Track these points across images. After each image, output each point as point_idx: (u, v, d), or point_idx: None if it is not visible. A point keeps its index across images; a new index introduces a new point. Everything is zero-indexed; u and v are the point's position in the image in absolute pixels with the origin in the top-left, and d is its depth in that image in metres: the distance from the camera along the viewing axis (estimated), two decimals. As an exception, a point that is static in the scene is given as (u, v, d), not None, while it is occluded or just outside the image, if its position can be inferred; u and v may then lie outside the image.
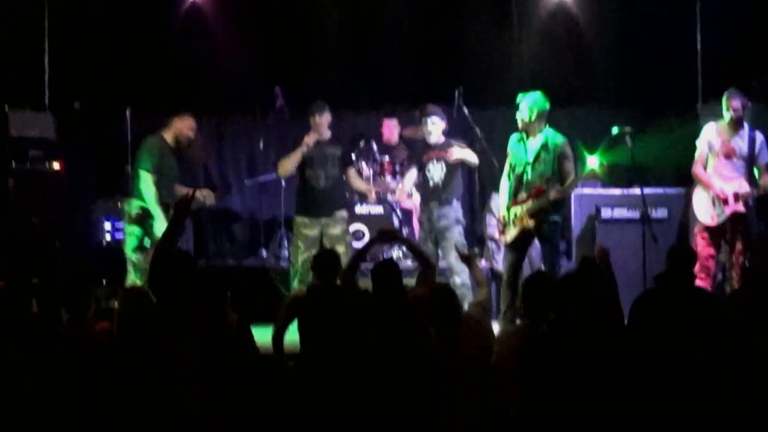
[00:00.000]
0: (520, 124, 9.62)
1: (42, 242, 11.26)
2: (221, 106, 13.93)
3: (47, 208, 11.59)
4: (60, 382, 6.02)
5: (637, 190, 10.15)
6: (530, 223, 9.46)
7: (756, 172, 9.96)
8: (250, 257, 13.19)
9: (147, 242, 9.83)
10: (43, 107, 12.41)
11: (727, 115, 9.95)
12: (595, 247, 8.80)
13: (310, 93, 11.27)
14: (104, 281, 11.15)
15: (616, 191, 11.31)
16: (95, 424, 5.76)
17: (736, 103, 9.91)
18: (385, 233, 8.69)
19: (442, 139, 10.66)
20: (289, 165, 10.58)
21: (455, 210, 10.60)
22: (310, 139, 10.41)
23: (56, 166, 11.87)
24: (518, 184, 9.66)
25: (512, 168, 9.74)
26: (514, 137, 9.81)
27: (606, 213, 11.23)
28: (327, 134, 10.56)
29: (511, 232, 9.64)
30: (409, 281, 8.43)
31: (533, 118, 9.54)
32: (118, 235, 11.39)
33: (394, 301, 6.92)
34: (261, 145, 13.09)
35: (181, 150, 10.20)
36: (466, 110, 11.88)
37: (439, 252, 10.46)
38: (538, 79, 11.92)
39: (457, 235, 10.49)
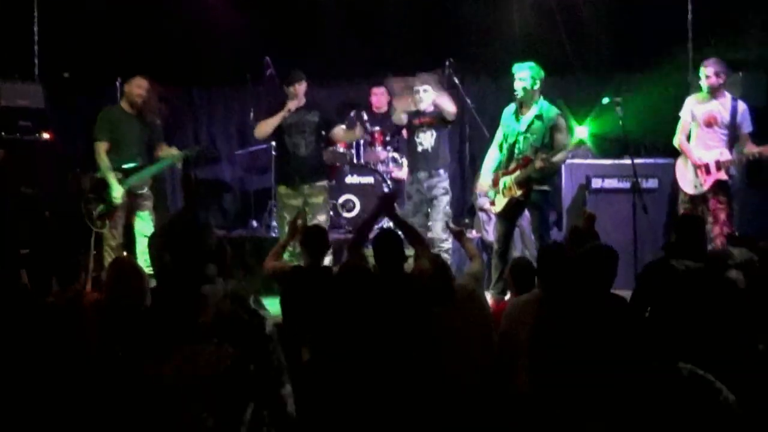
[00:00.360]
0: (521, 93, 9.63)
1: (32, 212, 11.25)
2: (211, 76, 13.89)
3: (37, 179, 11.58)
4: (50, 353, 5.99)
5: (627, 161, 10.17)
6: (518, 192, 9.51)
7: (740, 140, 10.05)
8: (240, 227, 13.18)
9: (101, 209, 10.20)
10: (33, 77, 12.38)
11: (704, 85, 10.01)
12: (583, 212, 8.83)
13: (301, 63, 11.22)
14: (93, 252, 11.12)
15: (607, 161, 11.33)
16: (86, 395, 5.73)
17: (710, 70, 10.03)
18: (387, 200, 8.60)
19: (431, 107, 10.61)
20: (267, 128, 10.59)
21: (443, 180, 10.61)
22: (292, 105, 10.42)
23: (46, 136, 11.86)
24: (510, 155, 9.70)
25: (505, 138, 9.78)
26: (509, 109, 9.84)
27: (596, 183, 11.27)
28: (303, 101, 10.55)
29: (501, 202, 9.68)
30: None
31: (535, 87, 9.65)
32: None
33: (396, 270, 6.88)
34: (251, 115, 13.04)
35: (141, 112, 10.36)
36: (456, 80, 11.87)
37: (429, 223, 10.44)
38: (529, 49, 11.89)
39: (444, 205, 10.51)
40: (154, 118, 10.48)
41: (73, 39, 12.74)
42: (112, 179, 10.12)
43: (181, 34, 13.16)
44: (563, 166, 11.16)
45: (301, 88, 10.50)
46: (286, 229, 10.22)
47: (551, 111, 9.66)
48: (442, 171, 10.62)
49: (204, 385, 5.13)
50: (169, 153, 10.59)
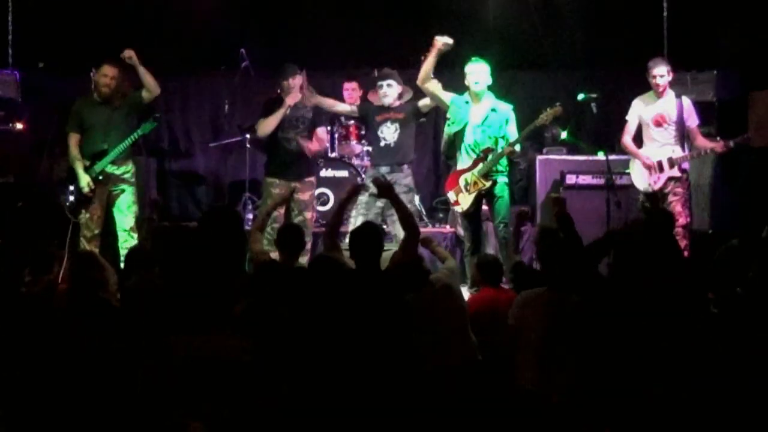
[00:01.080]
0: (477, 87, 9.71)
1: (5, 202, 11.22)
2: (186, 67, 13.85)
3: (10, 168, 11.54)
4: (21, 342, 5.97)
5: (601, 157, 10.21)
6: (487, 183, 9.59)
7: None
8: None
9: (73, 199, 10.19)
10: (7, 67, 12.31)
11: (651, 83, 10.12)
12: (552, 198, 8.87)
13: (277, 54, 11.22)
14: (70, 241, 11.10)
15: (581, 157, 11.37)
16: (57, 385, 5.72)
17: (659, 70, 10.13)
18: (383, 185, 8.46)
19: (397, 102, 10.58)
20: (270, 125, 10.38)
21: (407, 176, 10.49)
22: (291, 100, 10.30)
23: (20, 126, 11.82)
24: (460, 148, 9.81)
25: (458, 132, 9.84)
26: (460, 99, 9.89)
27: (571, 179, 11.32)
28: (298, 96, 10.49)
29: (467, 200, 9.73)
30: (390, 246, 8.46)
31: (489, 82, 9.83)
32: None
33: (371, 264, 6.86)
34: (226, 107, 13.01)
35: (109, 99, 10.20)
36: (432, 74, 11.87)
37: (387, 220, 10.39)
38: (506, 42, 11.93)
39: (407, 202, 10.22)
40: (121, 102, 10.27)
41: (47, 29, 12.70)
42: (79, 168, 10.11)
43: (157, 23, 13.13)
44: (537, 161, 11.30)
45: (295, 81, 10.37)
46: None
47: (504, 104, 9.93)
48: (405, 167, 10.51)
49: (218, 371, 5.18)
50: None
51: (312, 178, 10.67)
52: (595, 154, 11.33)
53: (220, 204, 12.63)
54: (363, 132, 12.51)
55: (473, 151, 9.77)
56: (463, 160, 9.88)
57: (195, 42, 13.24)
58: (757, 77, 11.58)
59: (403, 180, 10.38)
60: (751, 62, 11.82)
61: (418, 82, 10.10)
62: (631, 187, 10.56)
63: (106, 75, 10.16)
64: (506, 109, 9.88)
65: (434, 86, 10.03)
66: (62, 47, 12.79)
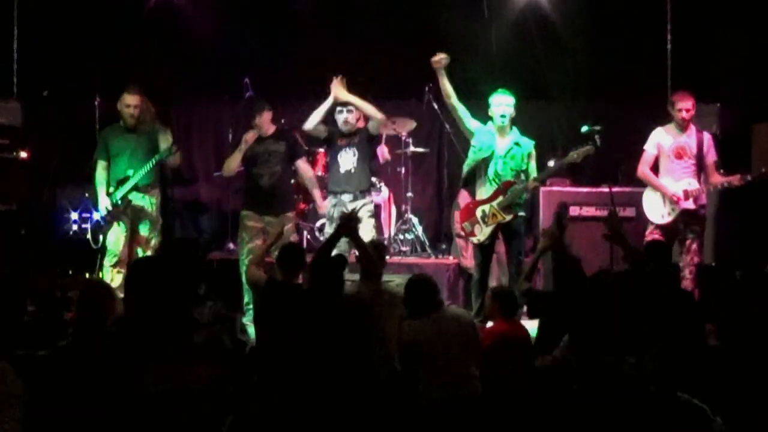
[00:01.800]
0: (503, 120, 9.71)
1: (8, 230, 11.22)
2: (190, 96, 13.87)
3: (13, 197, 11.55)
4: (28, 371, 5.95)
5: (605, 189, 10.20)
6: (508, 217, 9.58)
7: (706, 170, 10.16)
8: (216, 250, 13.13)
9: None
10: (11, 95, 12.34)
11: (676, 116, 10.09)
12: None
13: (280, 83, 11.25)
14: (70, 271, 11.10)
15: (585, 189, 11.36)
16: (60, 413, 5.69)
17: (685, 104, 10.07)
18: (346, 221, 8.52)
19: (355, 127, 10.43)
20: (233, 164, 10.59)
21: (369, 203, 10.39)
22: (249, 137, 10.36)
23: (23, 154, 11.83)
24: (483, 174, 9.78)
25: (479, 152, 9.81)
26: (485, 129, 9.85)
27: (574, 211, 11.30)
28: (270, 130, 10.51)
29: (485, 231, 9.69)
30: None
31: (513, 115, 9.82)
32: (85, 225, 11.40)
33: (331, 296, 6.92)
34: (230, 136, 13.02)
35: (135, 126, 10.26)
36: (436, 106, 11.89)
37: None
38: (508, 75, 11.94)
39: (370, 228, 10.22)
40: (151, 128, 10.37)
41: (52, 57, 12.72)
42: (100, 194, 10.16)
43: (160, 53, 13.16)
44: (541, 192, 11.28)
45: (263, 118, 10.44)
46: (245, 249, 10.26)
47: (527, 139, 9.89)
48: (366, 194, 10.40)
49: (186, 401, 5.15)
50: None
51: (288, 213, 10.60)
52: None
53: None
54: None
55: (494, 182, 9.76)
56: (482, 191, 9.85)
57: (199, 71, 13.27)
58: (760, 110, 11.61)
59: (367, 206, 10.30)
60: (754, 95, 11.85)
61: (445, 98, 10.02)
62: (633, 219, 10.55)
63: (129, 105, 10.23)
64: (528, 144, 9.87)
65: (462, 108, 9.98)
66: (66, 76, 12.79)
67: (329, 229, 10.23)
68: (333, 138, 10.45)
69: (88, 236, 10.26)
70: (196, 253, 6.83)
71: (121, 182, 10.13)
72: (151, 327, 5.79)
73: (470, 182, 10.03)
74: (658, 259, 7.46)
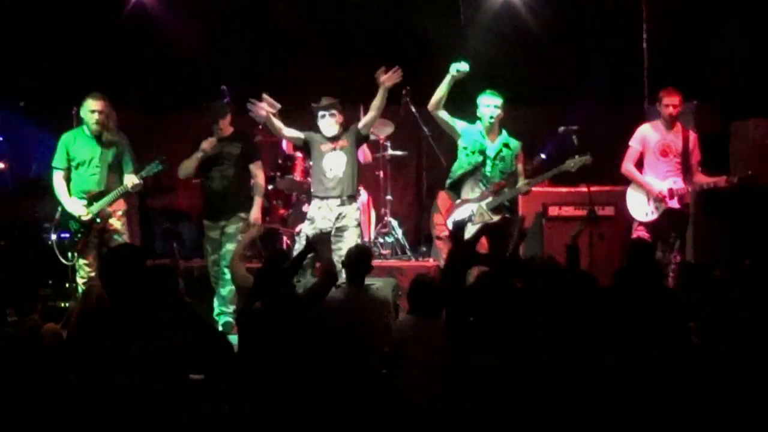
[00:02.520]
0: (493, 121, 9.73)
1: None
2: (167, 103, 13.84)
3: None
4: (9, 382, 5.94)
5: (584, 188, 10.22)
6: (495, 218, 9.60)
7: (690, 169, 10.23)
8: (197, 256, 13.09)
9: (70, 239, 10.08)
10: (-11, 105, 12.32)
11: (663, 113, 10.11)
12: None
13: (258, 91, 11.19)
14: (50, 281, 11.06)
15: (564, 189, 11.38)
16: (46, 423, 5.69)
17: (672, 100, 10.10)
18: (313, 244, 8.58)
19: (338, 131, 10.31)
20: (189, 168, 10.65)
21: (355, 210, 10.29)
22: (207, 145, 10.41)
23: (0, 165, 11.78)
24: (475, 179, 9.79)
25: (471, 152, 9.82)
26: (473, 129, 9.87)
27: (553, 211, 11.32)
28: (228, 132, 10.61)
29: (469, 230, 9.70)
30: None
31: (500, 116, 9.88)
32: (64, 235, 11.33)
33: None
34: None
35: (100, 133, 10.07)
36: (413, 109, 11.90)
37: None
38: (486, 78, 11.94)
39: (355, 238, 10.12)
40: (116, 137, 10.23)
41: (28, 67, 12.68)
42: (68, 203, 9.99)
43: (138, 61, 13.14)
44: (519, 193, 11.30)
45: (225, 122, 10.56)
46: (210, 260, 10.54)
47: (515, 141, 9.97)
48: (353, 200, 10.30)
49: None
50: (130, 181, 10.13)
51: (242, 213, 10.60)
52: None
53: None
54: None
55: (483, 183, 9.77)
56: (469, 190, 9.85)
57: (176, 79, 13.24)
58: (738, 108, 11.64)
59: (354, 214, 10.21)
60: (731, 93, 11.89)
61: (431, 108, 10.01)
62: (613, 218, 10.58)
63: (94, 110, 10.01)
64: (517, 145, 9.98)
65: (445, 113, 9.97)
66: (43, 86, 12.75)
67: (306, 228, 10.16)
68: (315, 143, 10.30)
69: (56, 251, 10.12)
70: (141, 261, 6.77)
71: (95, 197, 9.99)
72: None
73: (456, 185, 10.02)
74: (641, 259, 7.48)
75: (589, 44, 13.02)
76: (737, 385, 5.85)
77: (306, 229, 10.14)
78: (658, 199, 10.04)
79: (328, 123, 10.24)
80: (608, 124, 11.43)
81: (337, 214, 10.06)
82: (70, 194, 10.04)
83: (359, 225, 10.30)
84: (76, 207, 9.96)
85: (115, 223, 10.13)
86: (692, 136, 10.25)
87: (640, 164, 10.31)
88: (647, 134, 10.28)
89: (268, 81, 12.56)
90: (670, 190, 10.02)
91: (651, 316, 6.61)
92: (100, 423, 5.39)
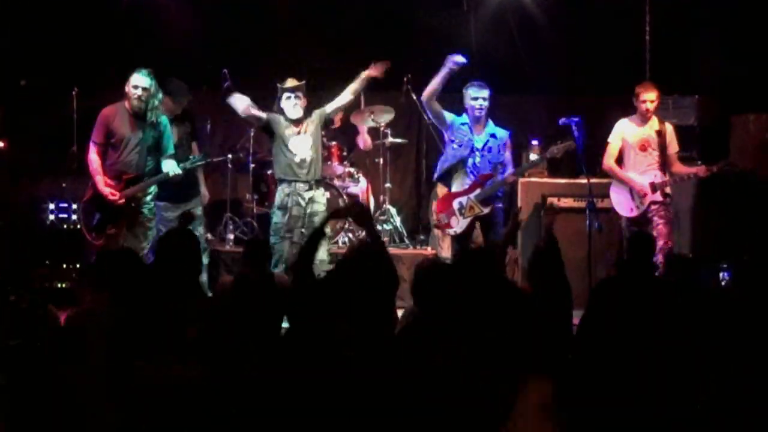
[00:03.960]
0: (480, 113, 9.73)
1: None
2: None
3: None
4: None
5: (583, 180, 10.22)
6: (485, 209, 9.60)
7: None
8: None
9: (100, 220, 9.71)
10: (-12, 84, 12.30)
11: (640, 108, 10.15)
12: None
13: (259, 75, 11.21)
14: (47, 262, 11.05)
15: (562, 180, 11.38)
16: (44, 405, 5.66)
17: (648, 95, 10.14)
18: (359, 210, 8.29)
19: (302, 114, 10.16)
20: None
21: (323, 195, 10.29)
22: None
23: (0, 144, 11.77)
24: (464, 171, 9.79)
25: (460, 156, 9.83)
26: (459, 121, 9.88)
27: (552, 202, 11.30)
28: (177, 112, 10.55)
29: (461, 223, 9.72)
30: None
31: (488, 107, 9.85)
32: (62, 215, 11.33)
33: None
34: (208, 127, 12.99)
35: (144, 112, 9.59)
36: (414, 96, 11.89)
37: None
38: (487, 67, 11.94)
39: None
40: (160, 119, 9.81)
41: (30, 47, 12.65)
42: (97, 179, 9.54)
43: (139, 43, 13.10)
44: (519, 184, 11.27)
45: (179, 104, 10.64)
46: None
47: (502, 130, 9.95)
48: (320, 185, 10.27)
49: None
50: (171, 169, 9.70)
51: (197, 197, 10.63)
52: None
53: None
54: (345, 153, 12.54)
55: (472, 175, 9.78)
56: (459, 183, 9.86)
57: (177, 62, 13.20)
58: (738, 102, 11.66)
59: (322, 199, 10.19)
60: (732, 87, 11.89)
61: (425, 98, 9.92)
62: (612, 210, 10.59)
63: (137, 86, 9.57)
64: (504, 134, 9.94)
65: (438, 105, 9.93)
66: (44, 65, 12.73)
67: (280, 219, 10.04)
68: (279, 125, 10.14)
69: (83, 230, 9.84)
70: (190, 245, 6.73)
71: (132, 180, 9.60)
72: (140, 322, 5.80)
73: (446, 177, 10.03)
74: (644, 250, 7.48)
75: (591, 35, 13.00)
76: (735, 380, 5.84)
77: (279, 220, 10.01)
78: (641, 194, 10.07)
79: (292, 105, 10.10)
80: (609, 116, 11.40)
81: (308, 199, 10.01)
82: (104, 173, 9.60)
83: (326, 209, 10.22)
84: (108, 189, 9.52)
85: (146, 208, 9.75)
86: (668, 128, 10.27)
87: (620, 160, 10.32)
88: (625, 129, 10.31)
89: (267, 68, 12.58)
90: (652, 184, 10.04)
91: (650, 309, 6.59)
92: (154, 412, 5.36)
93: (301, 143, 10.06)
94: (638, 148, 10.20)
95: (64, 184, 11.44)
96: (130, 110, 9.62)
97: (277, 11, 13.53)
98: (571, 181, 11.29)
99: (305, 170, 10.03)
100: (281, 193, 10.08)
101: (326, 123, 10.42)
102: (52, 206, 11.50)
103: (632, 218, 10.21)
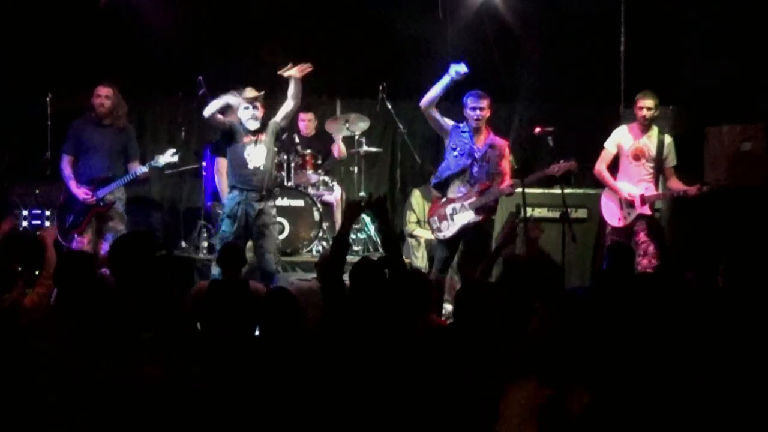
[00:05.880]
0: (479, 123, 9.68)
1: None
2: (143, 92, 13.76)
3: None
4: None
5: (557, 190, 10.22)
6: (478, 218, 9.60)
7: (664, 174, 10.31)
8: (169, 247, 13.06)
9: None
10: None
11: (637, 115, 10.14)
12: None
13: (234, 82, 11.16)
14: (20, 268, 10.97)
15: (537, 190, 11.37)
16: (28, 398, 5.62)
17: (645, 103, 10.12)
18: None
19: (258, 125, 10.15)
20: None
21: (272, 207, 10.27)
22: None
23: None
24: (462, 179, 9.77)
25: (462, 165, 9.79)
26: (459, 129, 9.81)
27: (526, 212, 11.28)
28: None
29: (451, 228, 9.69)
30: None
31: (488, 116, 9.83)
32: (35, 222, 11.32)
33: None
34: (182, 134, 12.96)
35: (108, 120, 10.43)
36: (389, 105, 11.88)
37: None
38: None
39: (277, 235, 10.27)
40: (124, 125, 10.64)
41: (2, 52, 12.58)
42: (73, 187, 10.27)
43: (114, 49, 13.04)
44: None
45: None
46: None
47: (500, 140, 9.91)
48: (272, 198, 10.30)
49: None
50: (136, 169, 10.54)
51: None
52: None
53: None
54: (319, 161, 12.51)
55: (468, 183, 9.74)
56: (454, 191, 9.82)
57: (152, 68, 13.16)
58: (712, 113, 11.68)
59: (272, 211, 10.22)
60: (707, 98, 11.92)
61: (423, 106, 9.82)
62: (586, 220, 10.59)
63: (100, 95, 10.36)
64: (502, 144, 9.86)
65: (436, 112, 9.87)
66: (17, 71, 12.66)
67: (228, 228, 9.99)
68: (236, 134, 10.14)
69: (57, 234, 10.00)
70: (148, 248, 6.72)
71: (101, 182, 10.30)
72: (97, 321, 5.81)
73: (443, 184, 9.96)
74: (622, 261, 7.49)
75: (567, 44, 13.01)
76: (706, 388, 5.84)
77: (228, 228, 9.97)
78: (629, 203, 10.07)
79: (250, 115, 10.11)
80: (584, 127, 11.43)
81: (258, 210, 9.99)
82: (76, 179, 10.33)
83: (278, 221, 10.44)
84: (81, 191, 10.24)
85: (116, 209, 10.48)
86: (667, 140, 10.23)
87: (615, 167, 10.31)
88: (622, 137, 10.29)
89: (243, 75, 12.53)
90: (642, 197, 10.03)
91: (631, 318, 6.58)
92: (103, 411, 5.33)
93: (256, 152, 10.06)
94: (632, 156, 10.18)
95: (37, 190, 11.40)
96: (97, 119, 10.40)
97: (253, 17, 13.49)
98: (546, 191, 11.28)
99: (258, 179, 10.02)
100: (232, 201, 10.07)
101: (278, 133, 10.40)
102: (25, 213, 11.46)
103: (617, 228, 10.20)
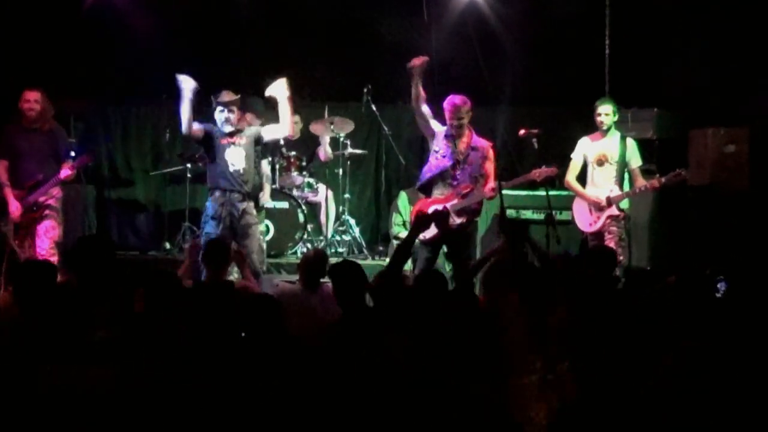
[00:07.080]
0: (462, 126, 9.67)
1: None
2: (127, 95, 13.76)
3: None
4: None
5: (542, 192, 10.23)
6: (460, 220, 9.58)
7: (628, 175, 10.40)
8: (153, 249, 13.06)
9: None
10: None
11: (597, 122, 10.27)
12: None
13: (218, 84, 11.14)
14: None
15: (522, 192, 11.38)
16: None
17: (604, 109, 10.33)
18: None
19: (232, 129, 10.06)
20: None
21: (253, 207, 10.25)
22: None
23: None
24: (446, 183, 9.75)
25: (442, 168, 9.77)
26: (445, 132, 9.78)
27: (511, 214, 11.26)
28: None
29: (432, 229, 9.66)
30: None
31: (469, 119, 9.79)
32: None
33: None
34: (167, 136, 12.95)
35: (36, 124, 10.35)
36: (374, 107, 11.88)
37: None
38: (448, 78, 11.94)
39: (259, 235, 10.25)
40: (51, 127, 10.50)
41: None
42: (8, 195, 10.21)
43: (98, 50, 13.03)
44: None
45: None
46: None
47: (483, 141, 9.86)
48: (252, 199, 10.28)
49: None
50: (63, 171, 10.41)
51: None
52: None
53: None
54: (304, 163, 12.50)
55: (451, 186, 9.73)
56: (439, 192, 9.81)
57: (136, 70, 13.14)
58: (696, 115, 11.70)
59: (254, 212, 10.18)
60: (691, 101, 11.94)
61: (413, 104, 9.87)
62: (570, 223, 10.61)
63: (28, 100, 10.29)
64: (485, 146, 9.82)
65: (427, 110, 9.89)
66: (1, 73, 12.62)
67: (213, 230, 9.92)
68: (214, 136, 10.06)
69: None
70: (104, 251, 6.72)
71: (33, 186, 10.25)
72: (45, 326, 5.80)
73: (427, 187, 9.95)
74: (604, 264, 7.51)
75: (551, 46, 13.03)
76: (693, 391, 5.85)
77: (212, 230, 9.88)
78: (596, 207, 10.17)
79: (224, 119, 10.04)
80: (568, 129, 11.44)
81: (241, 210, 9.94)
82: (11, 184, 10.30)
83: (258, 223, 10.36)
84: (14, 205, 10.18)
85: (52, 207, 10.39)
86: (629, 142, 10.39)
87: (584, 176, 10.41)
88: (585, 146, 10.47)
89: (225, 78, 12.52)
90: (608, 198, 10.15)
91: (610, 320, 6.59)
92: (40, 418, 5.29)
93: (235, 154, 9.99)
94: (596, 162, 10.32)
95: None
96: (27, 124, 10.35)
97: (238, 21, 13.48)
98: (530, 193, 11.29)
99: (240, 180, 9.97)
100: (215, 202, 9.99)
101: (257, 142, 10.26)
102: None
103: (592, 233, 10.28)
